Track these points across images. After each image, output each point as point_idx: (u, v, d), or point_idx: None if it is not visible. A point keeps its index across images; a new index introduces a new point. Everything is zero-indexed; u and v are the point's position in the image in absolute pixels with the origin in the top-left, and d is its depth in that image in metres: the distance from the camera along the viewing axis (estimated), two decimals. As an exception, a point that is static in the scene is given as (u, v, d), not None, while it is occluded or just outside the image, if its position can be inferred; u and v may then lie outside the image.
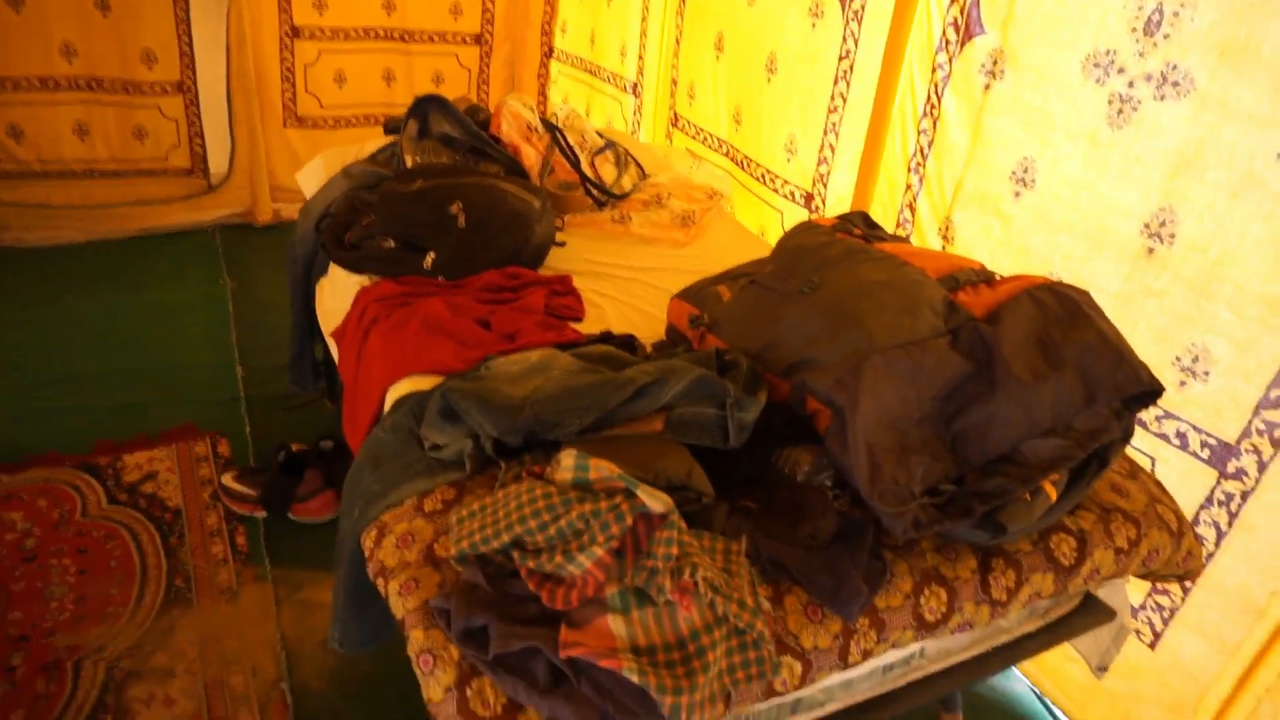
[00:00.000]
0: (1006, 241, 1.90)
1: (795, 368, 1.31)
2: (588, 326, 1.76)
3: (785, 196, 2.62)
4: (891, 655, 1.24)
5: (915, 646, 1.26)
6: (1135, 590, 1.65)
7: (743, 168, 2.82)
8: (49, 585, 1.86)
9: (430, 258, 1.86)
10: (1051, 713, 1.91)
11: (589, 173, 2.33)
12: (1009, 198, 1.88)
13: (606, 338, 1.64)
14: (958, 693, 1.69)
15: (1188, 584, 1.61)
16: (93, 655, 1.72)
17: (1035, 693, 1.94)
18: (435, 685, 0.98)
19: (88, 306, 2.87)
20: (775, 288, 1.43)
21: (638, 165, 2.50)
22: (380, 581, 1.14)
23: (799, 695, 1.18)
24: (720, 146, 2.95)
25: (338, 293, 1.96)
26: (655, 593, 1.01)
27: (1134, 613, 1.70)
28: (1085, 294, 1.31)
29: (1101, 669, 1.59)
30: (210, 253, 3.28)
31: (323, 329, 2.02)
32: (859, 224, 1.63)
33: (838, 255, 1.46)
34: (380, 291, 1.81)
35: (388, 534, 1.19)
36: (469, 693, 0.97)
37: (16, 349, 2.63)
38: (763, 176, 2.72)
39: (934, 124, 2.05)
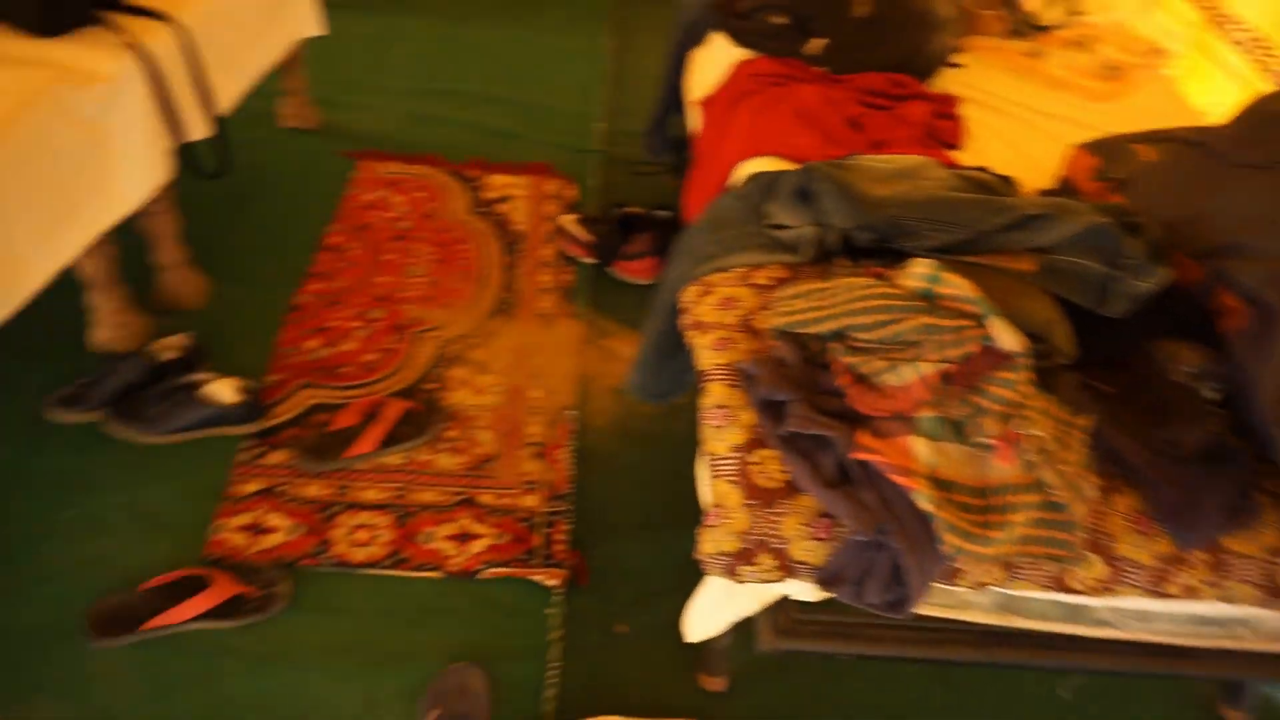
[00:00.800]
0: None
1: (1219, 251, 1.09)
2: (964, 159, 1.58)
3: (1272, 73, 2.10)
4: (1217, 609, 1.06)
5: (1249, 611, 1.07)
6: None
7: (1219, 26, 2.30)
8: (411, 264, 2.13)
9: (819, 44, 1.74)
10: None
11: (1016, -9, 2.04)
12: None
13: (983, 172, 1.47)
14: (1259, 687, 1.45)
15: None
16: (432, 330, 1.97)
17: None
18: (721, 441, 0.99)
19: (490, 36, 3.10)
20: (1225, 154, 1.18)
21: (1074, -4, 2.14)
22: (692, 334, 1.15)
23: (1085, 602, 1.06)
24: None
25: (712, 64, 1.92)
26: (973, 431, 0.92)
27: None
28: None
29: None
30: (601, 10, 3.37)
31: (688, 97, 2.01)
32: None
33: (1326, 134, 1.16)
34: (757, 68, 1.74)
35: (711, 293, 1.19)
36: (752, 460, 0.96)
37: (425, 59, 2.92)
38: (1246, 43, 2.20)
39: None
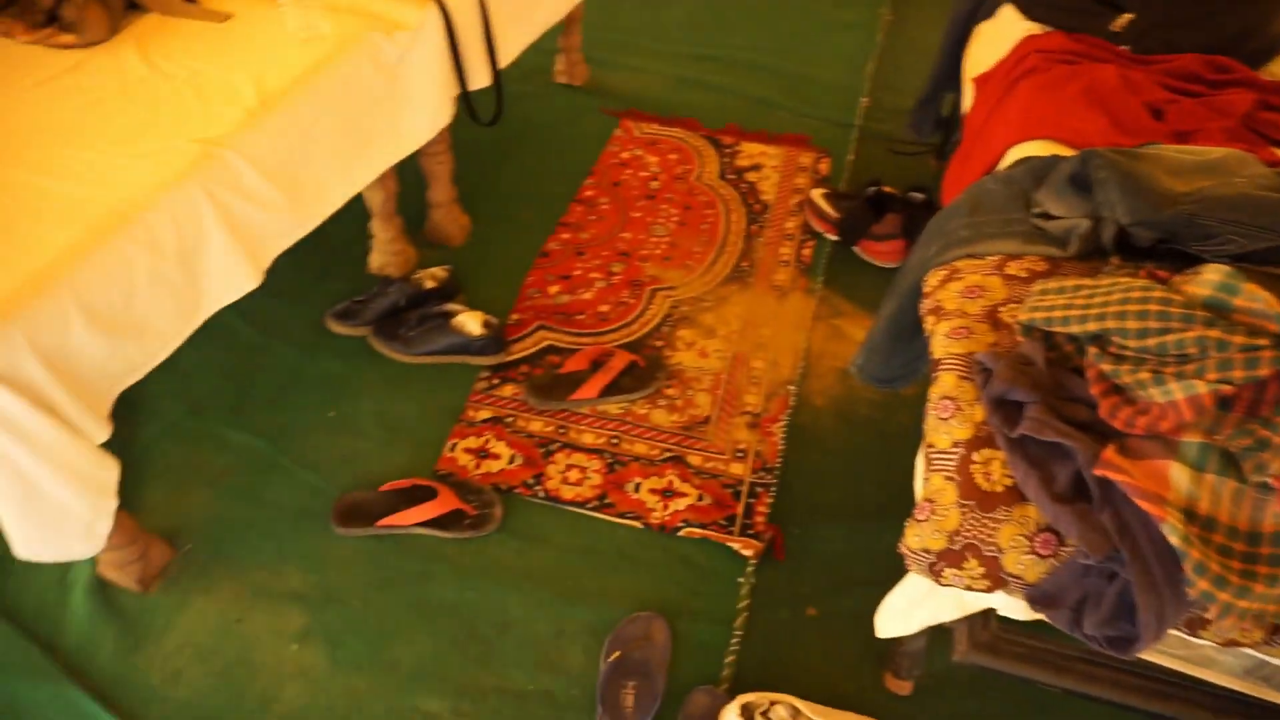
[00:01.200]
0: None
1: None
2: (1292, 158, 1.35)
3: None
4: None
5: None
6: None
7: None
8: (655, 222, 2.17)
9: (1124, 19, 1.56)
10: None
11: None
12: None
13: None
14: None
15: None
16: (665, 290, 2.00)
17: None
18: (944, 434, 0.93)
19: (763, 2, 3.06)
20: None
21: None
22: (930, 319, 1.08)
23: (1369, 689, 0.89)
24: None
25: (996, 39, 1.78)
26: (1251, 469, 0.79)
27: None
28: None
29: None
30: (881, -19, 3.23)
31: (966, 73, 1.87)
32: None
33: None
34: (1048, 43, 1.58)
35: (957, 279, 1.11)
36: (975, 459, 0.89)
37: (697, 22, 2.95)
38: None
39: None
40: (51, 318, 1.10)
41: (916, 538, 0.88)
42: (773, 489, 1.64)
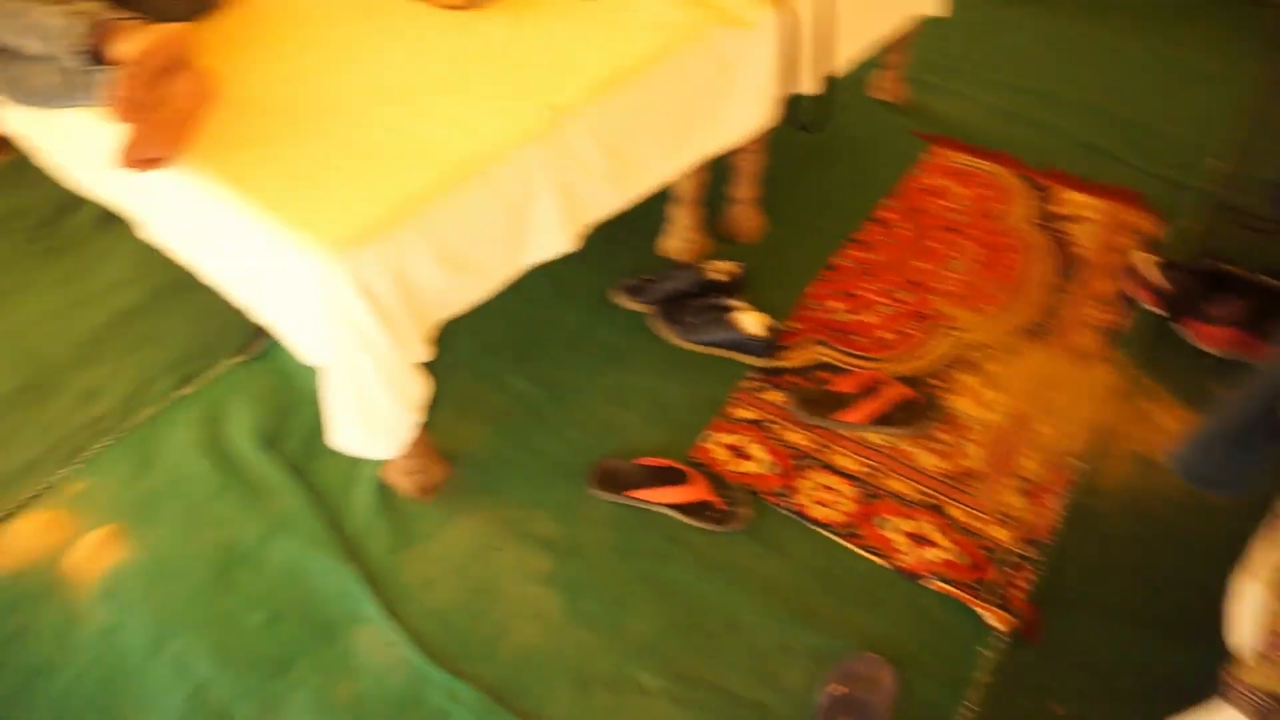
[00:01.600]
0: None
1: None
2: None
3: None
4: None
5: None
6: None
7: None
8: (952, 257, 2.07)
9: None
10: None
11: None
12: None
13: None
14: None
15: None
16: (952, 329, 1.90)
17: None
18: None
19: (1110, 40, 2.82)
20: None
21: None
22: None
23: None
24: None
25: None
26: None
27: None
28: None
29: None
30: (1255, 32, 2.86)
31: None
32: None
33: None
34: None
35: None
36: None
37: (1030, 54, 2.78)
38: None
39: None
40: (407, 245, 1.23)
41: (1260, 676, 0.76)
42: (1038, 566, 1.51)
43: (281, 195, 1.22)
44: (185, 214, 1.35)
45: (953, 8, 2.27)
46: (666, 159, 1.60)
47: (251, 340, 1.86)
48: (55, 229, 2.20)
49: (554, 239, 1.45)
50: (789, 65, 1.71)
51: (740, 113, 1.69)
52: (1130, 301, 1.96)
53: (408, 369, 1.31)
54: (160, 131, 1.25)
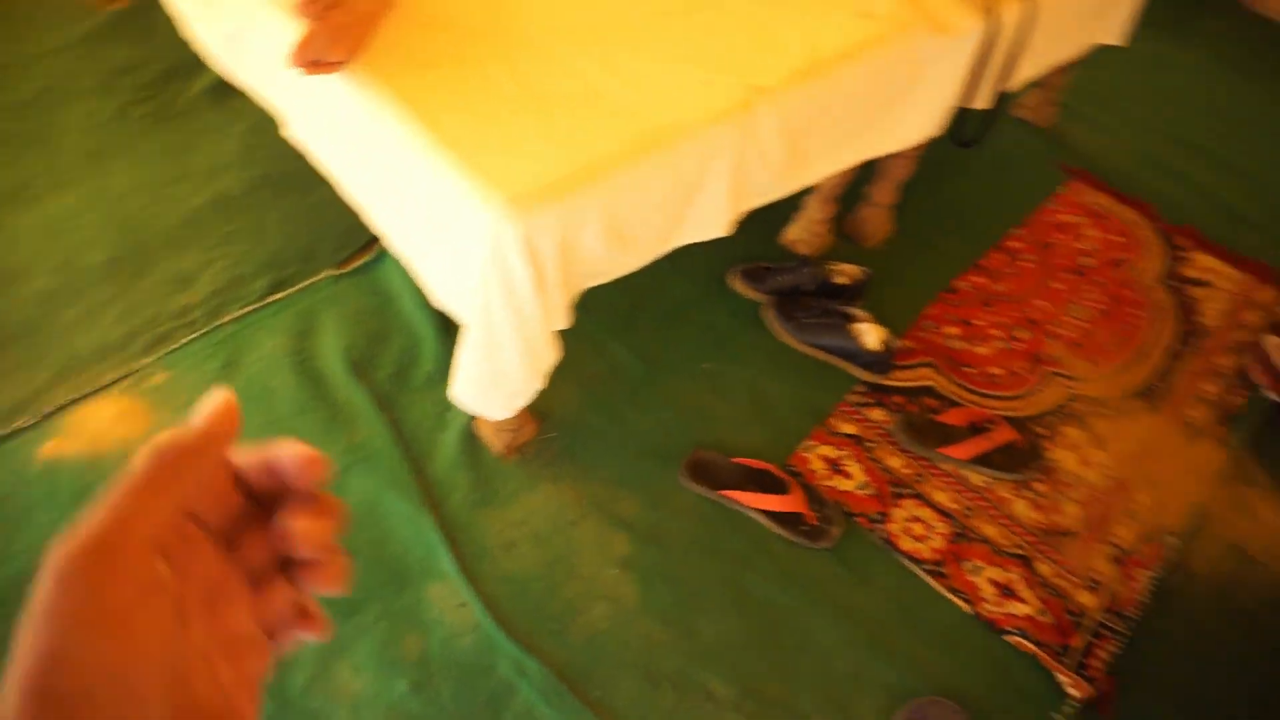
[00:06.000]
0: None
1: None
2: None
3: None
4: None
5: None
6: None
7: None
8: (1075, 302, 1.99)
9: None
10: None
11: None
12: None
13: None
14: None
15: None
16: (1065, 377, 1.84)
17: None
18: None
19: (1266, 98, 2.69)
20: None
21: None
22: None
23: None
24: None
25: None
26: None
27: None
28: None
29: None
30: None
31: None
32: None
33: None
34: None
35: None
36: None
37: (1190, 101, 2.65)
38: None
39: None
40: (579, 211, 1.16)
41: None
42: (1121, 639, 1.48)
43: (460, 131, 1.15)
44: (346, 126, 1.28)
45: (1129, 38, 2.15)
46: (836, 155, 1.53)
47: (358, 252, 1.81)
48: (166, 93, 2.13)
49: (714, 222, 1.38)
50: (975, 78, 1.61)
51: (915, 118, 1.61)
52: (1249, 383, 1.89)
53: (547, 336, 1.26)
54: (337, 33, 1.18)
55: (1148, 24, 2.52)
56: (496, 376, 1.28)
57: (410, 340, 1.70)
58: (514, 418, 1.51)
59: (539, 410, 1.62)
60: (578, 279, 1.26)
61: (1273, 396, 1.86)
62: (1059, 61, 1.91)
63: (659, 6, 1.40)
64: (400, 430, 1.59)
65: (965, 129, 1.74)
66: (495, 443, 1.56)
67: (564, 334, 1.76)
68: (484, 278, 1.15)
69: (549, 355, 1.29)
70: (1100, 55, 2.25)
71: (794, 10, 1.43)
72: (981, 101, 1.71)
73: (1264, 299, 2.07)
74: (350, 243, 1.81)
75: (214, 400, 0.36)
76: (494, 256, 1.12)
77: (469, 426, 1.59)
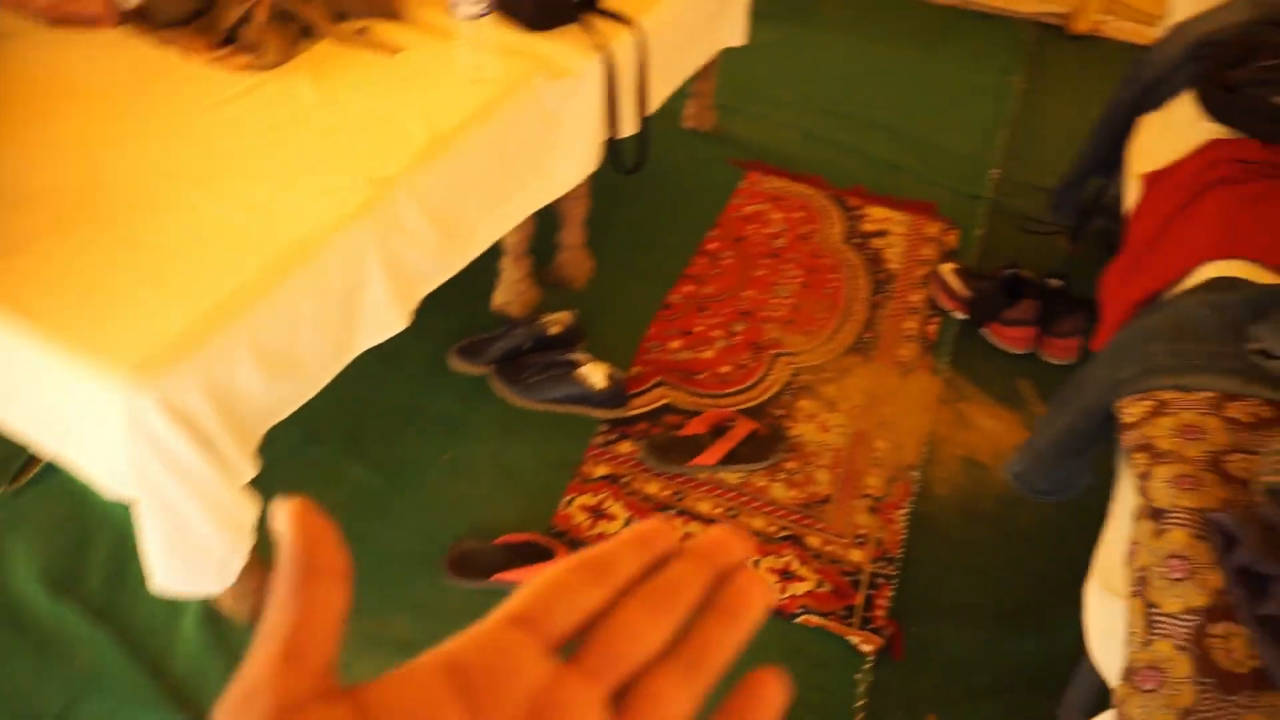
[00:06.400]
0: None
1: None
2: None
3: None
4: None
5: None
6: None
7: None
8: (778, 283, 2.12)
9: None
10: None
11: None
12: None
13: None
14: None
15: None
16: (787, 355, 1.95)
17: None
18: (1174, 597, 0.86)
19: (893, 59, 3.00)
20: None
21: None
22: (1142, 457, 1.01)
23: None
24: None
25: (1171, 135, 1.70)
26: None
27: None
28: None
29: None
30: (1019, 46, 3.13)
31: (1130, 166, 1.80)
32: None
33: None
34: (1242, 152, 1.51)
35: (1166, 414, 1.04)
36: (1214, 631, 0.82)
37: (825, 75, 2.90)
38: None
39: None
40: (223, 355, 1.08)
41: (1141, 709, 0.81)
42: (894, 581, 1.58)
43: (63, 313, 1.04)
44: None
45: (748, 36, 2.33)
46: (497, 218, 1.53)
47: (24, 466, 1.61)
48: None
49: (387, 319, 1.34)
50: (612, 110, 1.67)
51: (567, 162, 1.65)
52: (938, 309, 2.09)
53: (233, 491, 1.16)
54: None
55: (770, 16, 2.77)
56: (194, 550, 1.16)
57: (116, 536, 1.53)
58: (250, 579, 1.39)
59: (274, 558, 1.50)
60: (251, 423, 1.18)
61: (959, 315, 2.06)
62: (690, 72, 2.03)
63: (266, 120, 1.34)
64: (127, 637, 1.42)
65: (625, 157, 1.80)
66: (239, 611, 1.43)
67: (294, 469, 1.66)
68: (134, 455, 1.05)
69: (245, 511, 1.19)
70: (736, 54, 2.42)
71: (410, 94, 1.42)
72: (628, 128, 1.78)
73: (932, 232, 2.30)
74: (15, 456, 1.60)
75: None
76: (136, 431, 1.02)
77: (207, 604, 1.44)
